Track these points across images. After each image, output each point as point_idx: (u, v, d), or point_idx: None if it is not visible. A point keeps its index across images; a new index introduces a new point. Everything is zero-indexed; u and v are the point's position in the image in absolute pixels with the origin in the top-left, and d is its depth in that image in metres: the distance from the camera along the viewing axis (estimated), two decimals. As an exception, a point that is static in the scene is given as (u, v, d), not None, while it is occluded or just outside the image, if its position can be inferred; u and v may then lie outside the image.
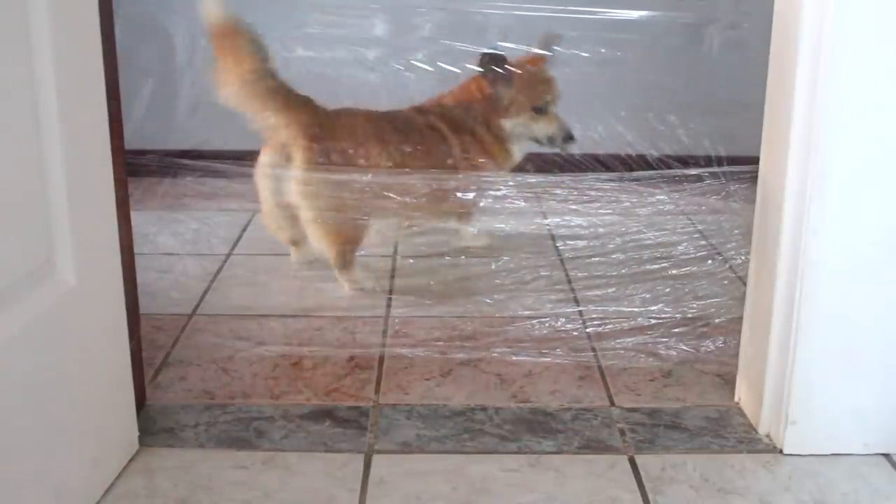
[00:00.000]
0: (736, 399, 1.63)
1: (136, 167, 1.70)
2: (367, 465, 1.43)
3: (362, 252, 2.37)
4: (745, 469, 1.43)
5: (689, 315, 1.95)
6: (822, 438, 1.46)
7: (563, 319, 1.94)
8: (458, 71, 2.66)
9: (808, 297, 1.41)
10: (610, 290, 2.05)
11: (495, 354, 1.80)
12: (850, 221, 1.38)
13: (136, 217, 1.55)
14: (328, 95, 2.96)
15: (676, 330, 1.88)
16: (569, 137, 2.27)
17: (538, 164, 2.64)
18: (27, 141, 1.15)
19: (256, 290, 2.15)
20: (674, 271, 2.08)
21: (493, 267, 2.22)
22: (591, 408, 1.62)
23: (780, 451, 1.47)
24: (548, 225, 2.33)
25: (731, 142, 2.25)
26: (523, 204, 2.35)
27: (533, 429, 1.54)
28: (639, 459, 1.45)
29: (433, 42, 2.73)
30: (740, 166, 2.12)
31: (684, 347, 1.82)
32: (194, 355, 1.79)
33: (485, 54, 2.23)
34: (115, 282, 1.38)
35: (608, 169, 2.20)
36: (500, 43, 2.69)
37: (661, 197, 2.09)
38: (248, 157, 2.85)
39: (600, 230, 2.24)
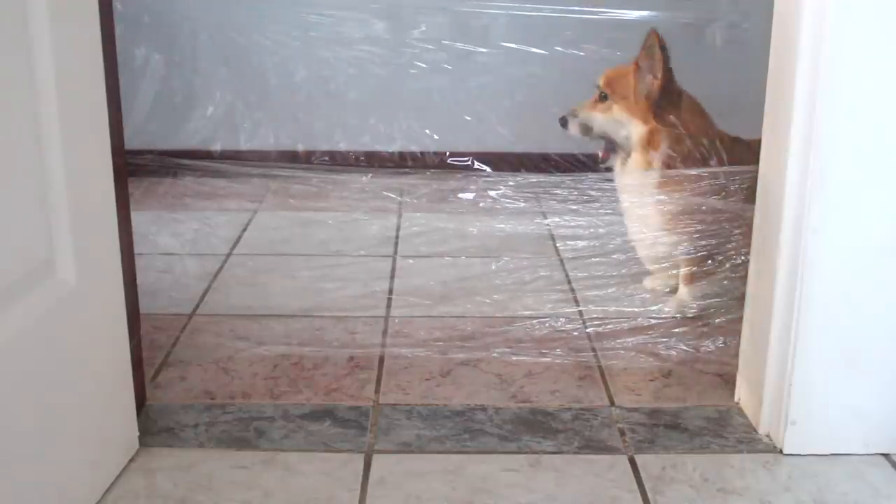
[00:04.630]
0: (736, 399, 1.63)
1: (136, 167, 1.70)
2: (367, 465, 1.43)
3: (362, 252, 2.37)
4: (745, 469, 1.43)
5: (689, 315, 1.95)
6: (822, 438, 1.46)
7: (563, 319, 1.94)
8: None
9: (808, 297, 1.41)
10: (610, 290, 2.04)
11: (495, 354, 1.80)
12: (850, 221, 1.38)
13: (136, 217, 1.55)
14: (328, 95, 2.97)
15: (676, 330, 1.88)
16: None
17: (538, 164, 2.64)
18: (27, 141, 1.15)
19: (256, 290, 2.14)
20: (674, 271, 2.07)
21: (493, 267, 2.22)
22: (591, 408, 1.62)
23: (780, 451, 1.47)
24: (548, 225, 2.33)
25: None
26: (523, 204, 2.34)
27: (533, 429, 1.54)
28: (639, 459, 1.45)
29: (433, 42, 2.74)
30: (740, 166, 2.12)
31: (684, 347, 1.82)
32: (194, 355, 1.79)
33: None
34: (115, 282, 1.38)
35: (608, 169, 2.20)
36: (501, 43, 2.69)
37: (661, 197, 2.08)
38: (247, 157, 2.86)
39: (600, 230, 2.23)
